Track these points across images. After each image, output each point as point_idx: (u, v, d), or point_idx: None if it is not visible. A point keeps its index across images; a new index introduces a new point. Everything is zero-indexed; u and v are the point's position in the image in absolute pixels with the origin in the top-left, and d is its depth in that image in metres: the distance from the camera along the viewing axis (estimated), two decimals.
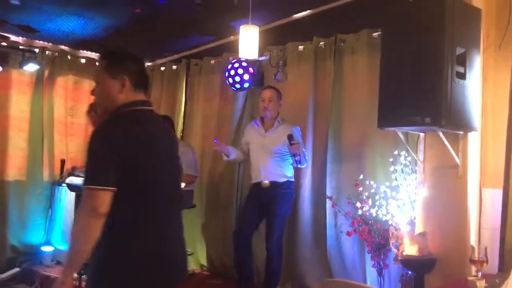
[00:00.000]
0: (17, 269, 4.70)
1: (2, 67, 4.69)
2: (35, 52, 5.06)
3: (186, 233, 5.46)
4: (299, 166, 3.96)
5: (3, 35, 4.75)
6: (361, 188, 3.65)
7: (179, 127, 5.58)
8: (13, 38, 4.94)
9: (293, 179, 4.07)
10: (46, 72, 5.22)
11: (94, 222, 1.75)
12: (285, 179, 3.99)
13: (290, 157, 3.97)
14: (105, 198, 1.76)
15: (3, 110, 4.95)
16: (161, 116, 2.23)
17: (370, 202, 3.60)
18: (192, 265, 5.19)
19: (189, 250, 5.17)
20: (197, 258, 5.19)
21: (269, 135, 4.06)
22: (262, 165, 4.01)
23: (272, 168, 3.98)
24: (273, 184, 3.96)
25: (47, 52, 5.20)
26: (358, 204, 3.62)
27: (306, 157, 3.99)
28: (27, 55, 4.96)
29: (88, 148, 1.84)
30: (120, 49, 2.04)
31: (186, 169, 4.72)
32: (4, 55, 4.76)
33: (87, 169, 1.82)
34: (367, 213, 3.61)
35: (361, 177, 3.67)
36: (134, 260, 1.83)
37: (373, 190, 3.60)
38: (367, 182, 3.65)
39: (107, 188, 1.77)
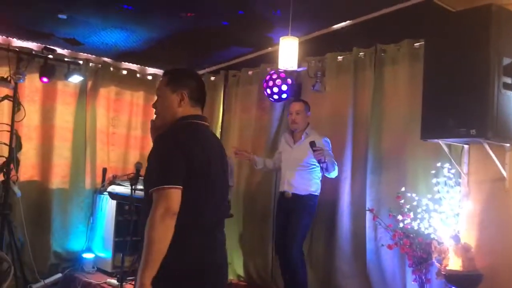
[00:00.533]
0: (59, 275, 4.82)
1: (48, 79, 4.85)
2: (79, 64, 5.22)
3: None
4: (327, 174, 3.92)
5: (50, 48, 4.92)
6: (402, 201, 3.59)
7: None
8: (59, 51, 5.11)
9: (317, 193, 4.06)
10: (89, 84, 5.37)
11: (170, 221, 1.83)
12: (307, 193, 4.01)
13: (317, 169, 3.98)
14: (176, 196, 1.86)
15: (49, 120, 5.11)
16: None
17: (411, 215, 3.53)
18: (229, 275, 5.20)
19: None
20: (234, 268, 5.19)
21: (296, 147, 4.12)
22: (288, 176, 4.08)
23: (296, 181, 4.03)
24: (295, 196, 4.01)
25: (90, 64, 5.36)
26: (400, 217, 3.56)
27: (335, 166, 3.93)
28: (72, 67, 5.12)
29: (154, 153, 1.95)
30: (181, 67, 2.22)
31: None
32: (51, 68, 4.92)
33: (155, 171, 1.91)
34: (409, 226, 3.55)
35: (403, 189, 3.61)
36: (187, 263, 1.91)
37: (415, 203, 3.53)
38: (409, 194, 3.58)
39: (177, 187, 1.86)
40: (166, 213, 1.83)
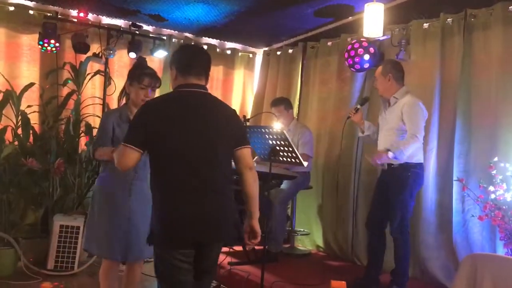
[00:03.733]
0: None
1: (136, 54, 5.08)
2: (163, 39, 5.42)
3: (302, 213, 5.51)
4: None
5: (137, 24, 5.14)
6: (494, 171, 3.44)
7: (295, 110, 5.65)
8: (145, 27, 5.33)
9: (412, 161, 3.59)
10: None
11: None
12: (399, 163, 3.58)
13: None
14: (130, 154, 2.24)
15: None
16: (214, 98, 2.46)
17: (504, 186, 3.38)
18: (308, 245, 5.28)
19: (305, 230, 5.27)
20: (313, 238, 5.25)
21: (388, 113, 3.77)
22: (380, 144, 3.76)
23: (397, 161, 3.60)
24: (390, 167, 3.67)
25: (173, 39, 5.55)
26: (491, 188, 3.42)
27: (404, 153, 3.52)
28: (157, 42, 5.33)
29: None
30: (181, 45, 2.63)
31: (301, 149, 4.78)
32: (137, 43, 5.16)
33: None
34: (501, 198, 3.40)
35: (496, 159, 3.46)
36: (158, 216, 2.26)
37: (508, 173, 3.38)
38: (502, 164, 3.43)
39: (131, 146, 2.25)
40: (118, 165, 2.28)
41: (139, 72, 2.97)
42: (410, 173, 3.62)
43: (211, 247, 2.35)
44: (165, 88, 5.46)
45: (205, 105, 2.33)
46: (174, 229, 2.21)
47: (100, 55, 4.97)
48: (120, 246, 2.87)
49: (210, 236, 2.29)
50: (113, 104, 5.10)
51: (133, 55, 5.08)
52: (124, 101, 3.07)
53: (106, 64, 5.00)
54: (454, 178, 3.86)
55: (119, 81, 5.19)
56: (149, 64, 5.35)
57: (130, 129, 2.30)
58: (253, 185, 2.36)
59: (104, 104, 4.97)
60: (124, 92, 3.08)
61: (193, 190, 2.22)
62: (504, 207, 3.40)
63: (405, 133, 3.64)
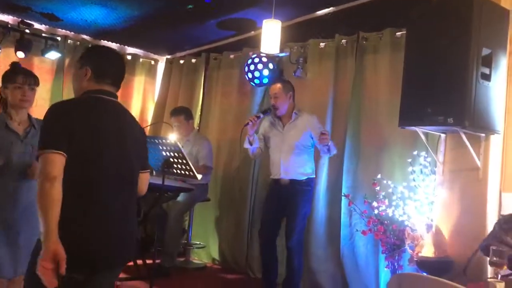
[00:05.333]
0: None
1: (24, 54, 4.73)
2: (57, 40, 5.10)
3: (199, 226, 5.49)
4: (327, 155, 3.88)
5: (27, 22, 4.79)
6: (378, 188, 3.62)
7: (196, 120, 5.59)
8: (36, 25, 4.98)
9: (313, 176, 3.93)
10: (67, 61, 5.26)
11: (49, 185, 1.83)
12: (305, 177, 3.84)
13: (312, 150, 3.89)
14: (56, 160, 1.86)
15: None
16: (122, 108, 2.22)
17: (387, 202, 3.57)
18: (204, 258, 5.21)
19: (201, 243, 5.20)
20: (209, 251, 5.20)
21: (287, 130, 3.92)
22: (282, 161, 3.87)
23: (292, 165, 3.83)
24: (293, 182, 3.83)
25: (69, 41, 5.25)
26: (375, 204, 3.60)
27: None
28: (49, 43, 5.00)
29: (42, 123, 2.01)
30: (100, 45, 2.24)
31: (201, 160, 4.74)
32: (27, 42, 4.80)
33: (40, 138, 1.98)
34: (383, 213, 3.59)
35: (379, 176, 3.65)
36: (73, 230, 1.91)
37: (390, 190, 3.57)
38: (385, 181, 3.62)
39: (56, 151, 1.87)
40: (43, 178, 1.83)
41: (11, 73, 2.79)
42: (311, 188, 3.88)
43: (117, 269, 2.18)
44: (58, 91, 5.17)
45: (122, 116, 2.16)
46: (95, 246, 1.96)
47: None
48: (9, 260, 2.61)
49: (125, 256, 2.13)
50: None
51: (21, 54, 4.72)
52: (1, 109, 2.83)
53: None
54: (343, 193, 4.02)
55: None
56: (40, 65, 5.13)
57: (49, 133, 1.94)
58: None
59: None
60: (0, 98, 2.83)
61: (116, 205, 2.04)
62: (386, 222, 3.59)
63: (308, 148, 3.85)
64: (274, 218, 3.92)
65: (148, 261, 4.29)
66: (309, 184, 3.89)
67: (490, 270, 2.87)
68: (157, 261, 4.16)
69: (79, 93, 2.13)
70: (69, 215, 1.88)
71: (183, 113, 4.89)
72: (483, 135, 3.09)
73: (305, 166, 3.87)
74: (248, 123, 3.87)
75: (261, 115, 3.98)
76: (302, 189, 3.83)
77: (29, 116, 2.84)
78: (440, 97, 2.91)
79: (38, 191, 1.84)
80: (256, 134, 4.00)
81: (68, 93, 5.23)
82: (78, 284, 1.95)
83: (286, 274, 3.90)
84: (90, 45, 5.40)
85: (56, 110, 2.01)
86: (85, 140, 1.96)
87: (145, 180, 2.25)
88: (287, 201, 3.84)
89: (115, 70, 2.17)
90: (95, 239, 1.95)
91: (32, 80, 2.80)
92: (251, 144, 3.94)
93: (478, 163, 3.10)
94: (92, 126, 2.00)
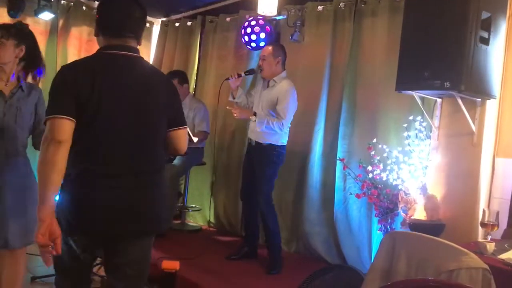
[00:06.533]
0: None
1: (16, 14, 4.64)
2: (50, 0, 4.99)
3: (194, 189, 5.51)
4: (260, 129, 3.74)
5: None
6: (373, 152, 3.64)
7: (192, 84, 5.55)
8: None
9: (279, 144, 3.79)
10: (61, 22, 5.18)
11: (52, 147, 1.79)
12: (267, 143, 3.79)
13: None
14: (61, 125, 1.80)
15: None
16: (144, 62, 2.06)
17: (381, 166, 3.60)
18: (199, 221, 5.27)
19: (196, 206, 5.25)
20: (205, 214, 5.25)
21: (264, 94, 3.88)
22: (252, 123, 3.86)
23: (255, 128, 3.78)
24: (257, 144, 3.85)
25: (62, 1, 5.15)
26: (369, 168, 3.62)
27: (265, 126, 3.69)
28: (42, 3, 4.89)
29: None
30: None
31: (198, 126, 4.74)
32: (19, 2, 4.70)
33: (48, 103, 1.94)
34: (378, 177, 3.62)
35: (374, 140, 3.66)
36: (67, 199, 1.88)
37: (385, 154, 3.59)
38: (380, 146, 3.64)
39: (61, 116, 1.81)
40: (48, 141, 1.78)
41: None
42: (275, 152, 3.82)
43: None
44: (52, 53, 5.10)
45: (136, 71, 1.96)
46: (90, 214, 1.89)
47: None
48: None
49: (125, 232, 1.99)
50: None
51: (13, 15, 4.63)
52: None
53: None
54: (338, 157, 4.04)
55: None
56: (34, 26, 5.00)
57: (55, 98, 1.85)
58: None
59: None
60: None
61: (122, 170, 1.91)
62: (380, 186, 3.62)
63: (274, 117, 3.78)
64: (249, 178, 3.95)
65: None
66: (274, 149, 3.81)
67: (481, 231, 2.93)
68: None
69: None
70: (72, 179, 1.86)
71: (177, 76, 4.84)
72: (479, 100, 3.10)
73: (269, 132, 3.76)
74: (228, 78, 3.93)
75: (243, 74, 3.99)
76: (266, 153, 3.80)
77: (19, 78, 2.66)
78: (438, 61, 2.90)
79: (40, 156, 1.79)
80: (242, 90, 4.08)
81: (62, 55, 5.18)
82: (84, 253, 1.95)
83: (265, 237, 3.99)
84: (84, 7, 5.32)
85: (62, 72, 1.90)
86: (92, 102, 1.84)
87: (182, 137, 2.09)
88: (253, 161, 3.90)
89: (120, 19, 1.95)
90: (93, 207, 1.87)
91: (2, 31, 2.57)
92: (233, 98, 4.01)
93: (473, 127, 3.11)
94: (99, 86, 1.85)
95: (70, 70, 1.91)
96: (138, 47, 2.02)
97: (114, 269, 2.02)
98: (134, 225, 1.95)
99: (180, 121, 2.10)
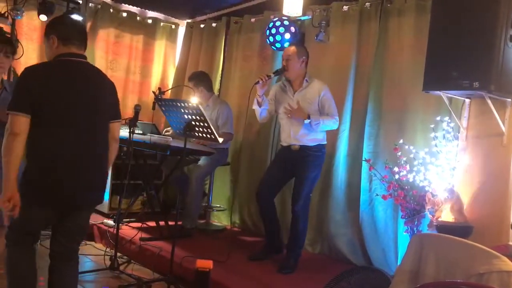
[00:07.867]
0: None
1: (47, 16, 4.75)
2: (78, 3, 5.10)
3: (219, 189, 5.54)
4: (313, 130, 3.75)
5: None
6: (399, 153, 3.61)
7: (216, 85, 5.59)
8: None
9: (324, 142, 3.86)
10: (89, 25, 5.27)
11: (11, 139, 2.23)
12: (315, 143, 3.80)
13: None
14: (18, 120, 2.24)
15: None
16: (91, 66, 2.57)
17: (408, 167, 3.56)
18: (224, 221, 5.30)
19: (221, 206, 5.28)
20: (229, 214, 5.27)
21: (298, 97, 3.83)
22: (292, 129, 3.83)
23: (302, 131, 3.78)
24: (303, 147, 3.80)
25: (90, 4, 5.25)
26: (396, 169, 3.59)
27: (324, 126, 3.73)
28: (71, 6, 5.01)
29: None
30: (58, 16, 2.73)
31: (222, 127, 4.76)
32: (49, 5, 4.81)
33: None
34: (404, 178, 3.58)
35: (401, 141, 3.62)
36: (26, 177, 2.34)
37: (412, 155, 3.55)
38: (406, 147, 3.60)
39: (18, 113, 2.26)
40: (8, 133, 2.23)
41: None
42: (320, 153, 3.82)
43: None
44: None
45: (88, 74, 2.48)
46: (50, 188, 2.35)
47: (6, 15, 4.59)
48: None
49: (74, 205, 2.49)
50: (19, 69, 4.76)
51: (44, 17, 4.75)
52: None
53: (13, 25, 4.63)
54: (364, 158, 4.01)
55: (28, 44, 4.87)
56: None
57: (15, 95, 2.32)
58: (113, 154, 2.63)
59: (10, 69, 4.61)
60: None
61: (74, 154, 2.37)
62: (406, 187, 3.58)
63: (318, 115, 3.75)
64: (275, 181, 3.92)
65: (170, 223, 4.39)
66: (320, 150, 3.83)
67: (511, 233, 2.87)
68: (179, 223, 4.26)
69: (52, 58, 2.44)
70: (33, 163, 2.32)
71: (193, 79, 4.87)
72: (509, 100, 3.04)
73: (316, 132, 3.78)
74: (258, 82, 3.79)
75: (272, 75, 3.91)
76: (312, 154, 3.79)
77: (3, 80, 3.17)
78: (466, 60, 2.86)
79: (3, 145, 2.24)
80: (266, 98, 3.93)
81: (89, 58, 5.16)
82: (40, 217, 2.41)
83: (289, 237, 3.88)
84: (111, 9, 5.41)
85: (24, 73, 2.34)
86: (48, 100, 2.29)
87: (117, 128, 2.61)
88: (295, 165, 3.81)
89: (77, 32, 2.48)
90: (50, 180, 2.33)
91: (9, 49, 3.10)
92: (259, 105, 3.87)
93: (503, 128, 3.06)
94: (55, 86, 2.32)
95: (30, 72, 2.36)
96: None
97: (64, 229, 2.53)
98: (83, 197, 2.47)
99: (117, 116, 2.63)
